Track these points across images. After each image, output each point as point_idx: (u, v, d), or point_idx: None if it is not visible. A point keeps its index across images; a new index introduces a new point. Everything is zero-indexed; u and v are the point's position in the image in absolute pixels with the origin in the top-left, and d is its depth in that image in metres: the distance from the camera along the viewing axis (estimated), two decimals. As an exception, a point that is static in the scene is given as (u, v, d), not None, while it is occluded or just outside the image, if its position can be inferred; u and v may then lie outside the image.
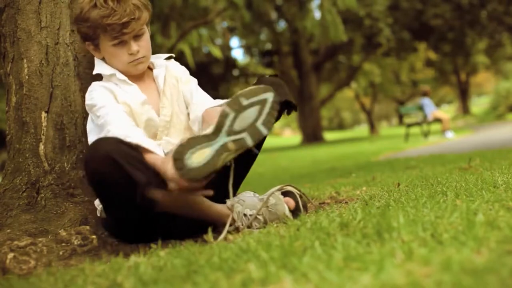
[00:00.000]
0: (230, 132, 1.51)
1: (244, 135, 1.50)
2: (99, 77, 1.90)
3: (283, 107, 1.72)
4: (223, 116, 1.53)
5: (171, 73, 1.93)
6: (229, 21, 18.17)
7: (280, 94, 1.67)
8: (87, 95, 1.83)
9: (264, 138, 1.63)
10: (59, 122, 1.95)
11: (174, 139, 1.86)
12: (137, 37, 1.81)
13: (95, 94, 1.81)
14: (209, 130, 1.53)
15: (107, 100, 1.77)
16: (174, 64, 1.99)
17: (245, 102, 1.54)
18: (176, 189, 1.56)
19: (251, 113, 1.52)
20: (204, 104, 1.85)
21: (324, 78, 23.93)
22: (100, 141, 1.58)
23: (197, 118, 1.85)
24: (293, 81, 20.87)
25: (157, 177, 1.58)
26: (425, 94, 12.67)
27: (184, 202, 1.66)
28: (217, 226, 1.70)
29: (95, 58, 1.90)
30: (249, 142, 1.50)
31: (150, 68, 1.94)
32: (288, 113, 1.77)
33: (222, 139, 1.50)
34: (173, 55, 2.01)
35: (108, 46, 1.80)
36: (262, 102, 1.53)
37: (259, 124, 1.52)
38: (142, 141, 1.63)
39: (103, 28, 1.75)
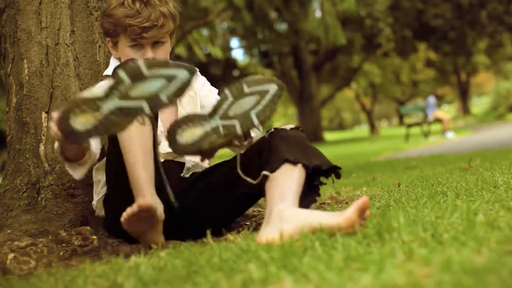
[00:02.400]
0: (224, 116, 1.52)
1: (235, 122, 1.51)
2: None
3: (329, 174, 1.63)
4: (222, 99, 1.54)
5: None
6: (230, 22, 18.15)
7: (319, 160, 1.60)
8: None
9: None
10: (60, 122, 1.95)
11: None
12: (156, 44, 1.78)
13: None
14: (206, 110, 1.53)
15: None
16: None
17: (246, 89, 1.53)
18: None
19: (249, 101, 1.53)
20: None
21: (324, 78, 23.91)
22: None
23: None
24: (293, 82, 20.86)
25: None
26: (437, 96, 12.90)
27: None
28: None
29: (111, 58, 1.90)
30: (239, 129, 1.50)
31: None
32: (337, 177, 1.63)
33: (215, 121, 1.51)
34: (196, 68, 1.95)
35: (125, 46, 1.78)
36: (262, 93, 1.53)
37: (252, 113, 1.51)
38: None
39: (124, 27, 1.74)
